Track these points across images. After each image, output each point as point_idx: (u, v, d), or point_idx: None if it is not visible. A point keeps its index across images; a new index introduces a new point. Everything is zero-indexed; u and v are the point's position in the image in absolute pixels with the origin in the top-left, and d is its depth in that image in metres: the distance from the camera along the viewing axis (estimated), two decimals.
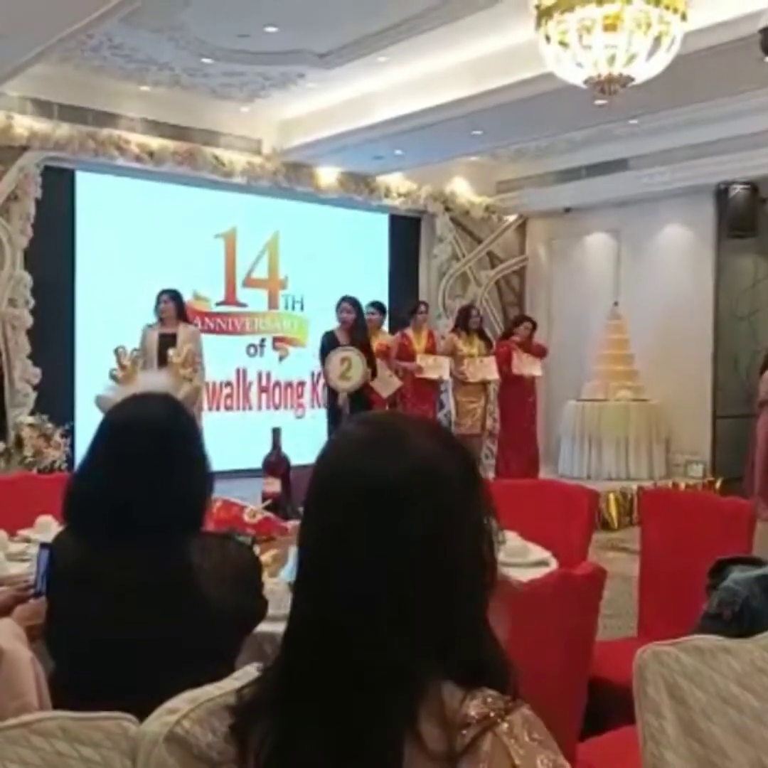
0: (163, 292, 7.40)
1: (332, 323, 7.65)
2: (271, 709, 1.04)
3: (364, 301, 7.83)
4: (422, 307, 8.79)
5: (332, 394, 7.53)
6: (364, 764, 0.96)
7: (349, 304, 7.51)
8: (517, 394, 8.68)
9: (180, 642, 1.77)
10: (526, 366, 8.62)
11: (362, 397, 7.32)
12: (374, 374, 7.61)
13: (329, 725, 0.98)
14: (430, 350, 8.56)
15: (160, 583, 1.82)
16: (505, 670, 1.03)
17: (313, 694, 1.01)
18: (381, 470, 1.01)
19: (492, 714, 0.95)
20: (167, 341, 7.01)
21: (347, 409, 7.13)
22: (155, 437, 1.90)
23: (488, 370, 8.60)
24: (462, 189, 10.46)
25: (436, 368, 8.45)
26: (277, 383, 9.58)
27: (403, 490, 1.00)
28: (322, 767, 0.98)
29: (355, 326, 7.50)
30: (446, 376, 8.64)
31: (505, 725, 0.94)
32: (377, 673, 0.98)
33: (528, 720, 0.96)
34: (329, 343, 7.49)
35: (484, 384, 8.69)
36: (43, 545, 2.37)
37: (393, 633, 0.98)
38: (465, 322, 8.82)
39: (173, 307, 7.36)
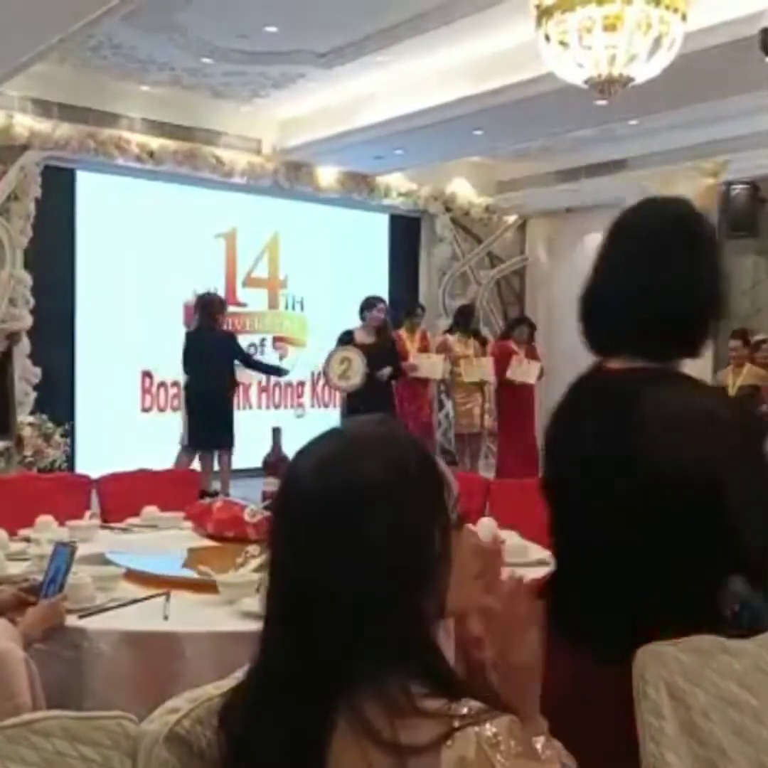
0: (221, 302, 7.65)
1: (341, 322, 7.65)
2: (242, 708, 1.05)
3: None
4: (420, 310, 8.75)
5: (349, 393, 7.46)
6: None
7: (384, 304, 7.54)
8: (515, 393, 8.64)
9: None
10: (522, 372, 8.53)
11: (377, 396, 7.19)
12: (398, 371, 7.59)
13: (288, 725, 0.99)
14: (423, 351, 8.52)
15: None
16: (452, 677, 1.03)
17: (279, 692, 1.02)
18: (345, 480, 1.02)
19: (469, 714, 0.95)
20: None
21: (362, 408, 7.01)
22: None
23: (485, 370, 8.57)
24: (462, 189, 10.45)
25: (431, 367, 8.41)
26: (277, 383, 9.56)
27: (368, 498, 1.02)
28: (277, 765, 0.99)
29: (383, 326, 7.52)
30: (440, 376, 8.62)
31: (489, 734, 0.93)
32: (338, 672, 0.99)
33: (512, 730, 0.95)
34: (347, 342, 7.42)
35: (480, 384, 8.67)
36: (59, 545, 2.35)
37: (353, 634, 0.99)
38: (466, 322, 8.79)
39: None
